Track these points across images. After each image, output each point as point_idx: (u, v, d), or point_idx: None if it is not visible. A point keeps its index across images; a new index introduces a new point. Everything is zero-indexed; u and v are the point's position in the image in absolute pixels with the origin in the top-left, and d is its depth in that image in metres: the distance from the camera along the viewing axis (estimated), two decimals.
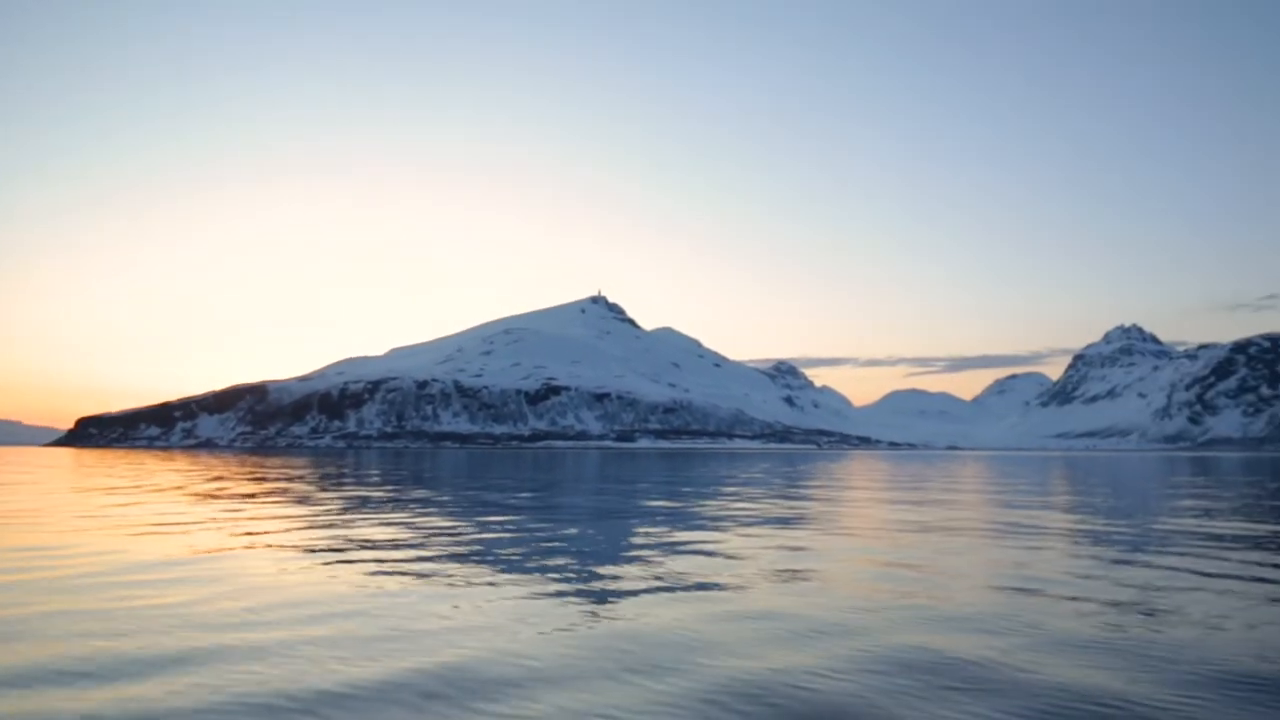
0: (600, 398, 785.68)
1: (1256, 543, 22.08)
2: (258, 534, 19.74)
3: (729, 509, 30.75)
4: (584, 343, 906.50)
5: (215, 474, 56.38)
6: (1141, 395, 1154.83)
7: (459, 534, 20.81)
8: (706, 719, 6.99)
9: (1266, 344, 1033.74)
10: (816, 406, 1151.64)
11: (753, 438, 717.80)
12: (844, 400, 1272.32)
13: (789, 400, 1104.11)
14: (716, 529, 23.37)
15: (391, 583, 13.89)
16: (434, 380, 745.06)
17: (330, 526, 22.29)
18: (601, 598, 12.35)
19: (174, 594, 12.05)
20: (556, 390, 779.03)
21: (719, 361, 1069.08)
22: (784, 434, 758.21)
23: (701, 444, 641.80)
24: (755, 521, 25.81)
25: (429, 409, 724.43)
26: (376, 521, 24.20)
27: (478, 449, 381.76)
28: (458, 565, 15.27)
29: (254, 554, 16.68)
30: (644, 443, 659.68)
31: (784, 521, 25.94)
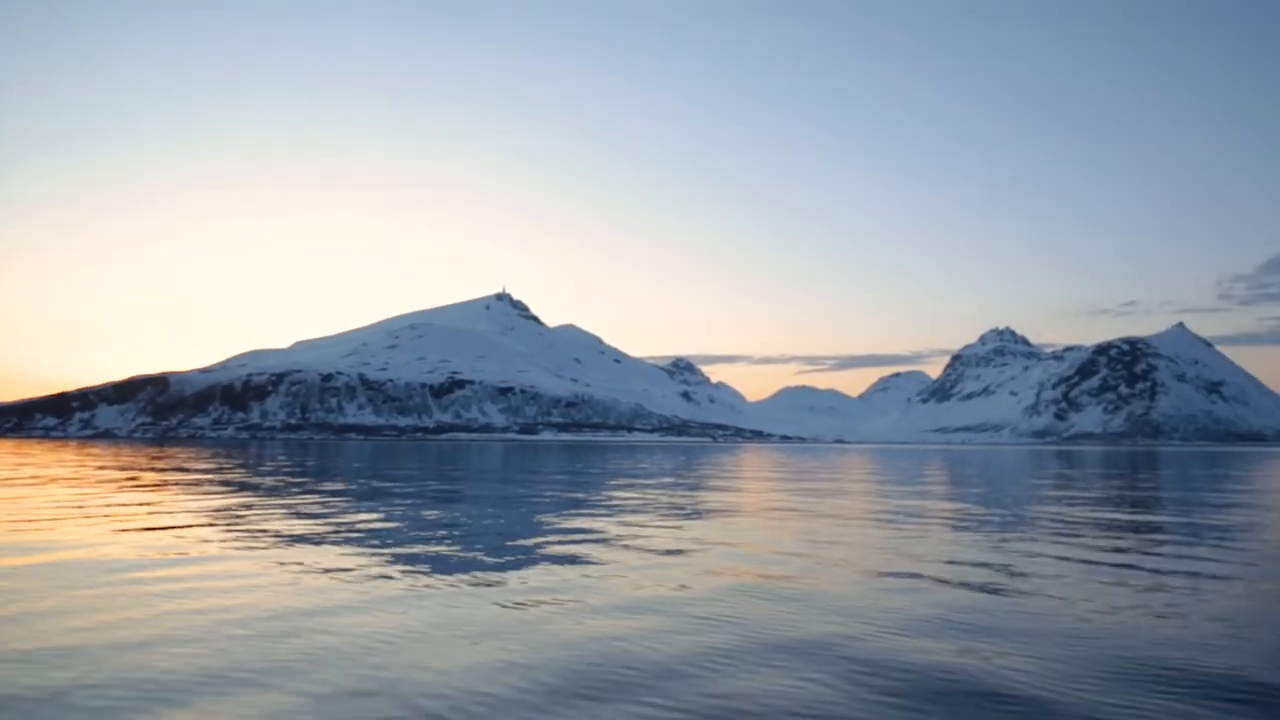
0: (504, 391, 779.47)
1: (1110, 526, 23.21)
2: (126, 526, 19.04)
3: (624, 499, 30.92)
4: (488, 338, 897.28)
5: (100, 464, 54.18)
6: (1013, 393, 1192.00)
7: (361, 523, 20.51)
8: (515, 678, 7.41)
9: (1125, 347, 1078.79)
10: (713, 401, 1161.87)
11: (651, 431, 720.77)
12: (739, 396, 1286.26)
13: (686, 395, 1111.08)
14: (611, 516, 23.49)
15: (283, 572, 13.68)
16: (339, 373, 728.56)
17: (211, 519, 21.72)
18: (493, 584, 12.28)
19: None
20: (461, 384, 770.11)
21: (619, 358, 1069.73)
22: (681, 427, 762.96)
23: (602, 437, 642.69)
24: (648, 509, 26.01)
25: (333, 401, 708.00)
26: (267, 511, 23.69)
27: (383, 440, 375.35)
28: (356, 555, 15.12)
29: (128, 544, 16.12)
30: (546, 435, 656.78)
31: (676, 509, 26.21)
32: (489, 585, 11.97)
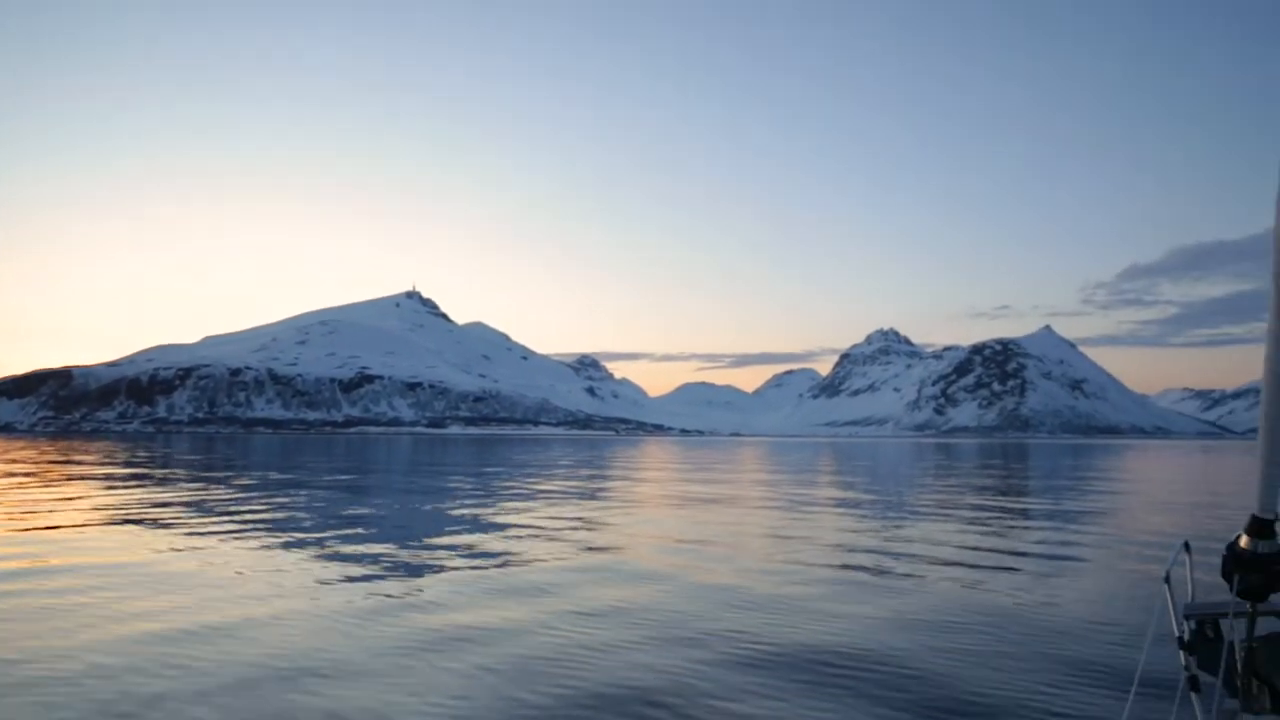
0: (413, 386, 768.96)
1: (982, 508, 24.45)
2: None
3: (528, 490, 31.17)
4: (398, 335, 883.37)
5: None
6: (896, 389, 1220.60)
7: (265, 516, 20.32)
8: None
9: (998, 347, 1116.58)
10: (616, 397, 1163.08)
11: (557, 425, 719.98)
12: (641, 391, 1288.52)
13: (591, 391, 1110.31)
14: (514, 507, 23.74)
15: (190, 560, 13.62)
16: (248, 368, 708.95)
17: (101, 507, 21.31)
18: (398, 572, 12.35)
19: None
20: (370, 379, 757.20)
21: (526, 354, 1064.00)
22: (586, 422, 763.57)
23: (509, 430, 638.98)
24: (551, 500, 26.30)
25: (242, 395, 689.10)
26: (167, 500, 23.24)
27: (291, 434, 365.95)
28: (259, 547, 14.91)
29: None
30: (454, 429, 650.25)
31: (578, 500, 26.53)
32: (391, 577, 11.92)
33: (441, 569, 12.56)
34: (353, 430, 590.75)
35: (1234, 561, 3.47)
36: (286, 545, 14.82)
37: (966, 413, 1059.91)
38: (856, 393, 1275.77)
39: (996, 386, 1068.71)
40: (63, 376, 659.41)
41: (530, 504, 24.17)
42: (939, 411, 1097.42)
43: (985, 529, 18.68)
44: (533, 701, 6.52)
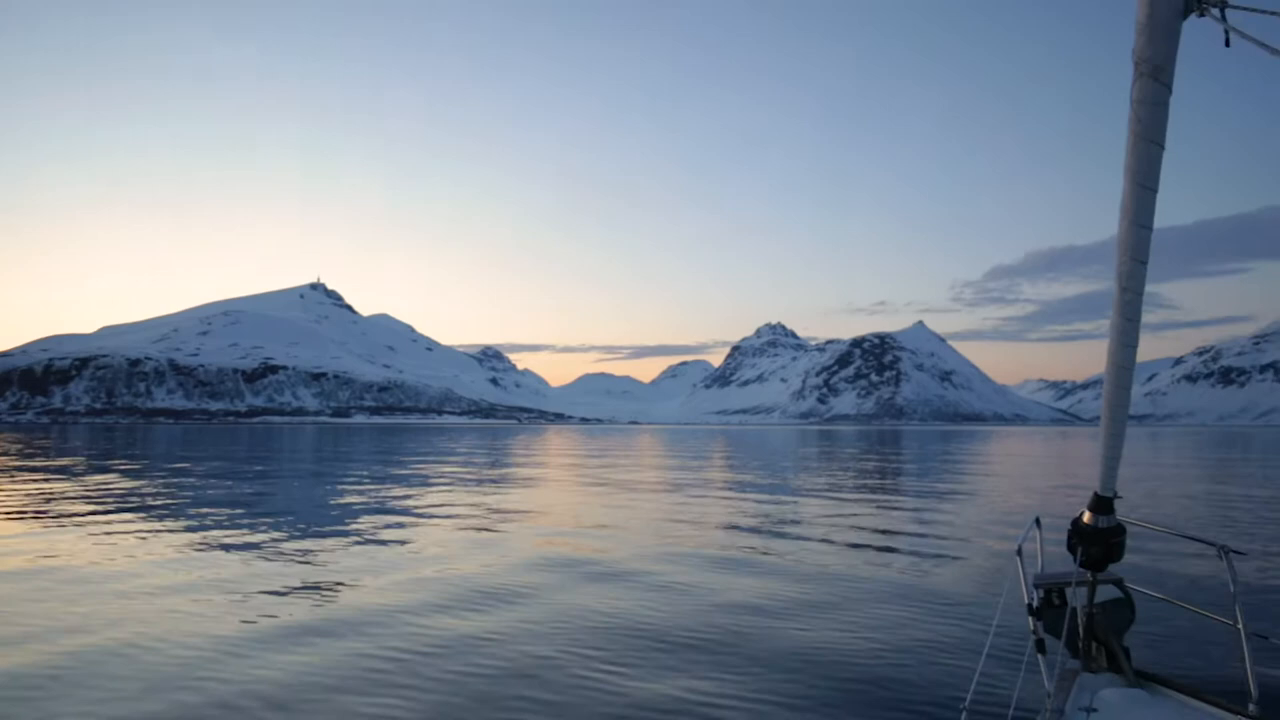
0: (317, 376, 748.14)
1: (860, 489, 25.26)
2: None
3: (431, 475, 30.85)
4: (302, 326, 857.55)
5: None
6: (783, 380, 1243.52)
7: (160, 502, 19.70)
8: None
9: (876, 341, 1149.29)
10: (519, 386, 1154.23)
11: (461, 414, 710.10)
12: (543, 381, 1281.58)
13: (494, 381, 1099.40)
14: (416, 492, 23.47)
15: (91, 549, 13.14)
16: (148, 358, 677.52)
17: None
18: (293, 560, 12.03)
19: None
20: (274, 369, 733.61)
21: (431, 346, 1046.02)
22: (489, 411, 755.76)
23: (414, 420, 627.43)
24: (453, 485, 26.07)
25: (142, 386, 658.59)
26: (64, 494, 22.31)
27: (193, 424, 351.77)
28: (155, 534, 14.41)
29: None
30: (359, 419, 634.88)
31: (480, 485, 26.40)
32: (289, 562, 11.71)
33: (340, 556, 12.34)
34: (256, 420, 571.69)
35: (1077, 535, 3.94)
36: (184, 533, 14.40)
37: (847, 401, 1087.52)
38: (746, 383, 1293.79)
39: (874, 377, 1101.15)
40: None
41: (427, 489, 23.95)
42: (822, 400, 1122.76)
43: (861, 509, 19.35)
44: (402, 682, 6.51)
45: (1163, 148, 2.81)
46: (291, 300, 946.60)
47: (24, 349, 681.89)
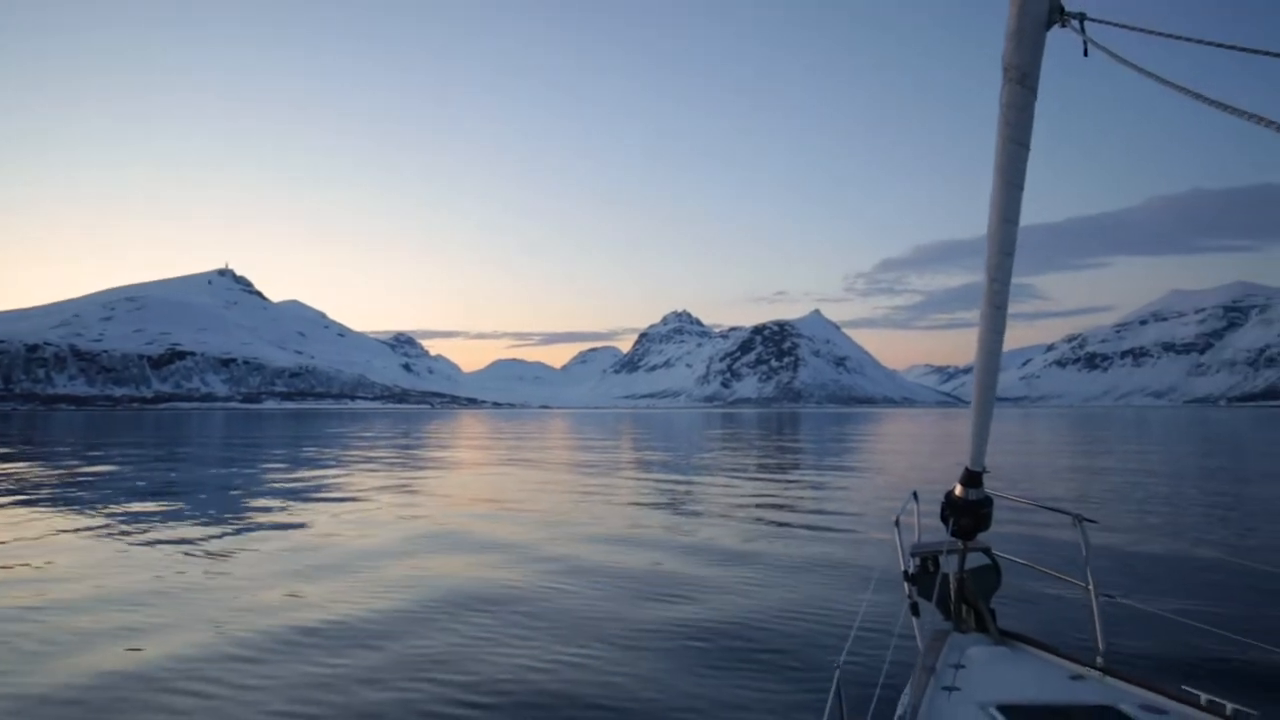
0: (226, 363, 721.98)
1: (760, 468, 25.80)
2: None
3: (342, 460, 30.35)
4: (211, 311, 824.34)
5: None
6: (688, 365, 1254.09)
7: (63, 491, 19.00)
8: None
9: (776, 328, 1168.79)
10: (431, 372, 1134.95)
11: (373, 399, 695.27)
12: (455, 367, 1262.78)
13: (407, 367, 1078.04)
14: (325, 477, 23.10)
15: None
16: (47, 344, 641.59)
17: None
18: (199, 549, 11.74)
19: None
20: (181, 355, 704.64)
21: (343, 332, 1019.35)
22: (402, 396, 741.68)
23: (326, 405, 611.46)
24: (364, 468, 25.72)
25: (41, 372, 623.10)
26: None
27: (97, 411, 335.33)
28: (59, 521, 14.12)
29: None
30: (270, 404, 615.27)
31: (391, 469, 26.07)
32: (195, 552, 11.37)
33: (249, 542, 12.08)
34: (163, 406, 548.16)
35: (949, 507, 4.13)
36: (92, 520, 13.92)
37: (748, 386, 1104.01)
38: (653, 368, 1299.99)
39: (774, 363, 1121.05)
40: None
41: (342, 474, 23.60)
42: (725, 385, 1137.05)
43: (759, 487, 19.82)
44: (308, 672, 6.33)
45: (1028, 149, 2.89)
46: (199, 286, 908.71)
47: None
